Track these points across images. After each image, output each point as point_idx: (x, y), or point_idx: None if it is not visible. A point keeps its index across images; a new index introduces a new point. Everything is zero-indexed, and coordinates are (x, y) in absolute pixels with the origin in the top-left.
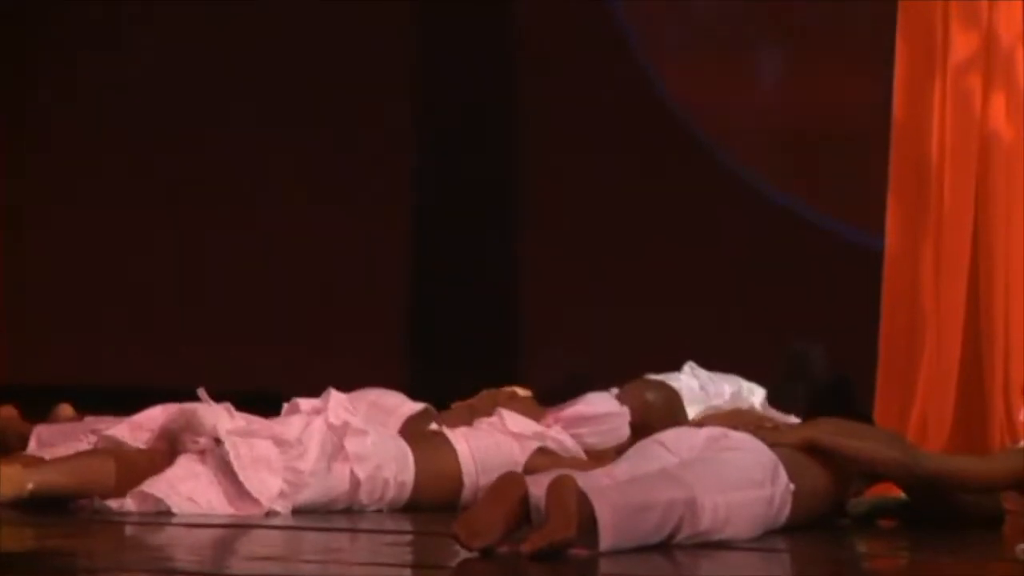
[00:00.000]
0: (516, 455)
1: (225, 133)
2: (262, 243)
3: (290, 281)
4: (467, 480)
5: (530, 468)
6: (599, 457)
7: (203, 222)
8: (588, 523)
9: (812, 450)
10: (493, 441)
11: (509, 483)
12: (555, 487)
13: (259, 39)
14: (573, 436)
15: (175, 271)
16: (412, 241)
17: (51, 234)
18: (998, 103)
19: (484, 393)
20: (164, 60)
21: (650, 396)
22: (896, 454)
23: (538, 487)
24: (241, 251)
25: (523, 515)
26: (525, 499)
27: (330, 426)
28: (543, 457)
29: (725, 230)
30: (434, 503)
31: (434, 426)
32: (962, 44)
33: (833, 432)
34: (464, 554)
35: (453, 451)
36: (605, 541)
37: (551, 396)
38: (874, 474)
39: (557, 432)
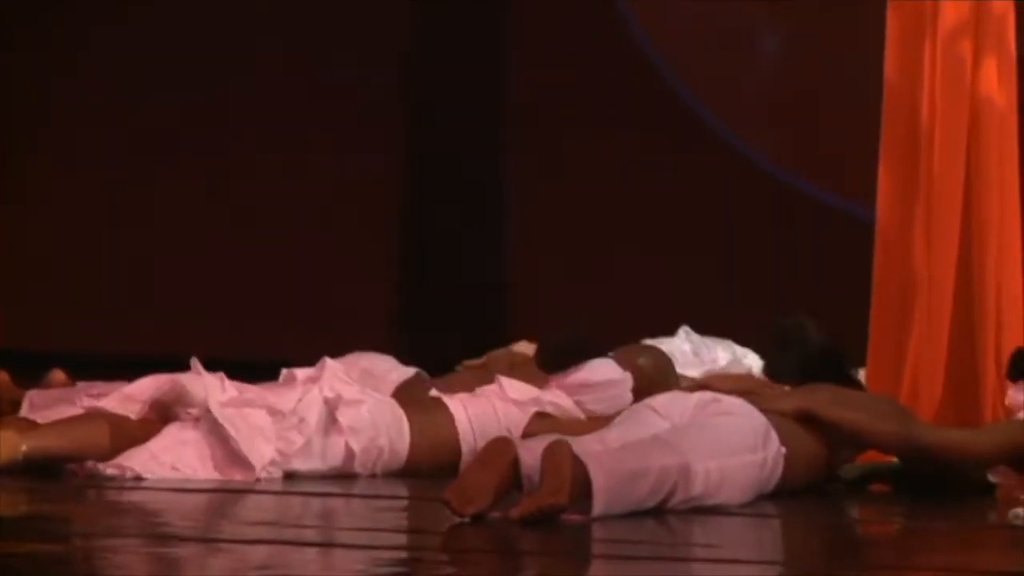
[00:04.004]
0: (515, 420)
1: (224, 106)
2: (253, 213)
3: (282, 250)
4: (465, 447)
5: (529, 432)
6: (599, 420)
7: (197, 193)
8: (582, 488)
9: (805, 419)
10: (491, 407)
11: (499, 448)
12: (550, 452)
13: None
14: (576, 403)
15: (169, 241)
16: (402, 214)
17: (47, 202)
18: (989, 69)
19: (493, 354)
20: (163, 33)
21: (642, 360)
22: (894, 427)
23: (528, 452)
24: (232, 220)
25: (513, 480)
26: (515, 464)
27: (325, 399)
28: (541, 421)
29: (718, 200)
30: (432, 469)
31: (434, 392)
32: (953, 10)
33: (830, 403)
34: (456, 519)
35: (451, 417)
36: (598, 507)
37: (552, 360)
38: (868, 444)
39: (554, 395)
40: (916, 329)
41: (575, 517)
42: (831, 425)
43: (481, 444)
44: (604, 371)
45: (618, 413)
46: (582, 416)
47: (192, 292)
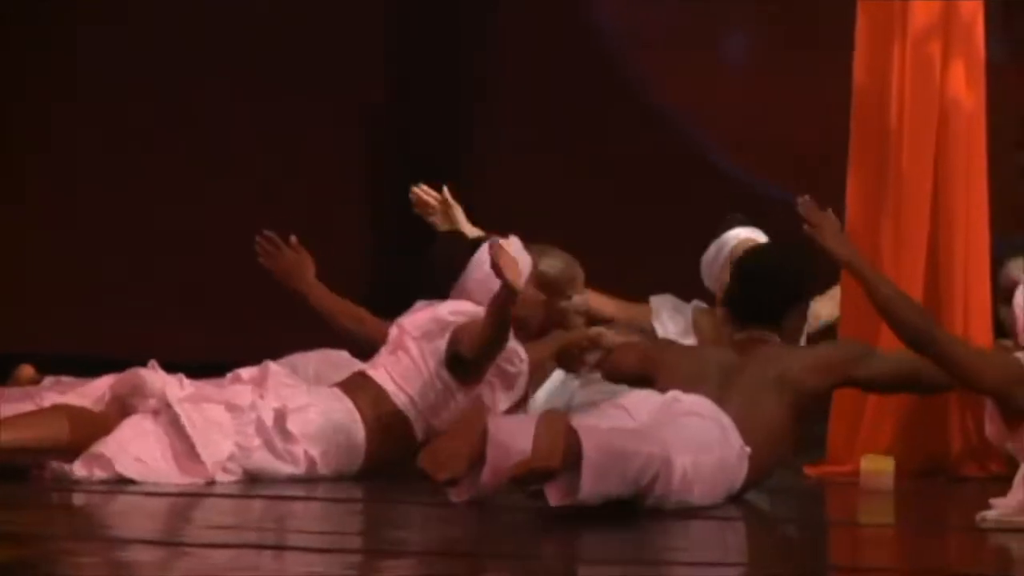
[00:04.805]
0: (432, 353)
1: (187, 106)
2: (213, 213)
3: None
4: (409, 413)
5: (448, 356)
6: None
7: (153, 193)
8: (575, 457)
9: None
10: (408, 359)
11: (473, 418)
12: (545, 418)
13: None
14: (485, 300)
15: (131, 242)
16: (368, 213)
17: (15, 203)
18: (958, 71)
19: None
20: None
21: (543, 265)
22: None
23: (495, 426)
24: (191, 221)
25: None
26: (485, 436)
27: (274, 411)
28: (457, 337)
29: (686, 201)
30: (390, 449)
31: (358, 367)
32: (922, 11)
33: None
34: (418, 521)
35: (385, 392)
36: (587, 480)
37: (439, 275)
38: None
39: (452, 306)
40: (885, 331)
41: (565, 501)
42: (866, 283)
43: (421, 402)
44: (487, 257)
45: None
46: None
47: (161, 293)
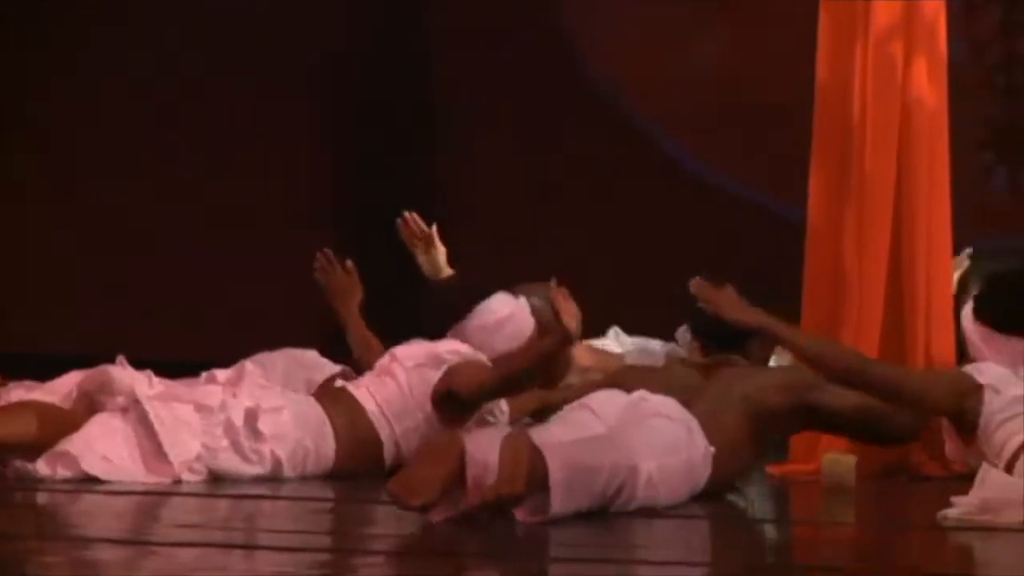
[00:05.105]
0: (419, 385)
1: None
2: (183, 212)
3: (212, 251)
4: (383, 434)
5: (436, 396)
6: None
7: (122, 192)
8: (541, 479)
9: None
10: (395, 385)
11: (447, 441)
12: (508, 442)
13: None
14: (484, 347)
15: (98, 241)
16: (332, 217)
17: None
18: (920, 69)
19: None
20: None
21: (534, 301)
22: (852, 357)
23: (476, 446)
24: (159, 220)
25: (461, 474)
26: (463, 457)
27: (245, 409)
28: (450, 376)
29: (648, 200)
30: (358, 464)
31: (340, 383)
32: (884, 10)
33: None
34: (388, 521)
35: (362, 409)
36: (556, 498)
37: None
38: (827, 377)
39: (450, 344)
40: (847, 329)
41: (532, 519)
42: (793, 348)
43: (398, 426)
44: (496, 307)
45: (526, 347)
46: (485, 359)
47: (127, 291)
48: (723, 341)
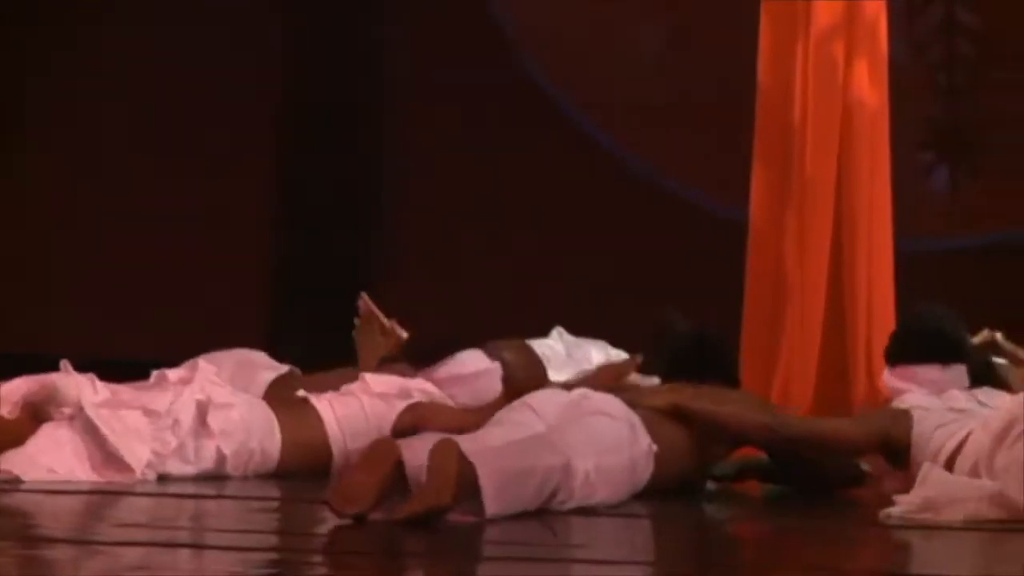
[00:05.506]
0: (383, 415)
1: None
2: (124, 212)
3: (154, 249)
4: (335, 447)
5: (399, 424)
6: (469, 411)
7: (67, 191)
8: (469, 488)
9: (676, 415)
10: (359, 405)
11: (382, 449)
12: (437, 451)
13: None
14: (447, 396)
15: (44, 240)
16: (275, 209)
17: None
18: (861, 70)
19: (365, 350)
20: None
21: (508, 355)
22: (762, 418)
23: (412, 452)
24: (100, 219)
25: (397, 481)
26: (399, 465)
27: (196, 402)
28: (410, 412)
29: (592, 202)
30: (303, 471)
31: (301, 393)
32: (825, 11)
33: (696, 396)
34: (333, 521)
35: (319, 419)
36: (489, 506)
37: (420, 358)
38: (739, 438)
39: (422, 384)
40: (788, 330)
41: (465, 519)
42: (701, 419)
43: (351, 444)
44: (472, 362)
45: (490, 405)
46: (453, 405)
47: (63, 290)
48: (678, 374)
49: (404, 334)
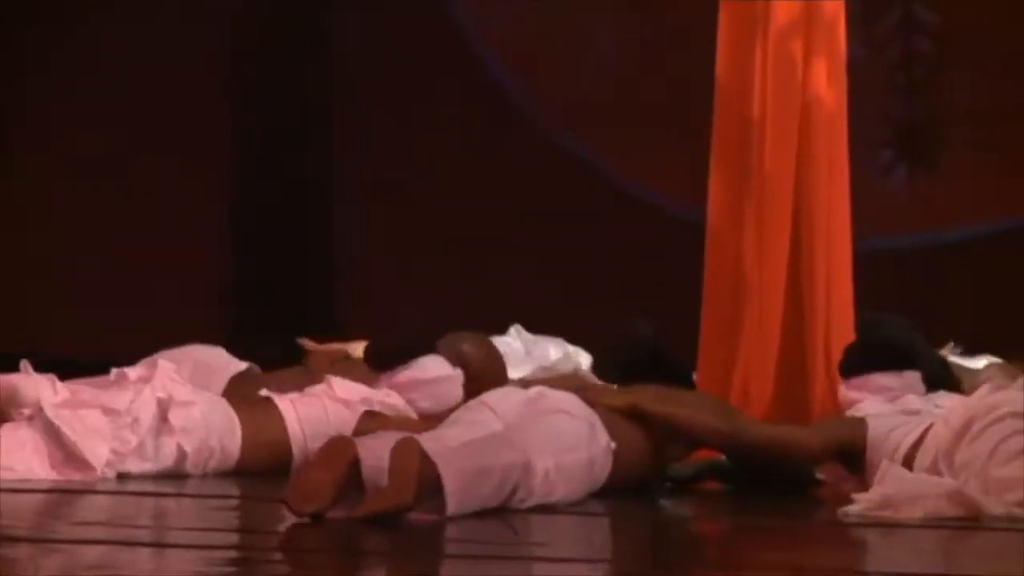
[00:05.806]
0: (345, 420)
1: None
2: (82, 208)
3: (111, 244)
4: (295, 447)
5: (359, 431)
6: (430, 419)
7: (24, 186)
8: (430, 487)
9: (634, 416)
10: (321, 407)
11: (339, 447)
12: (398, 450)
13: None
14: (408, 401)
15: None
16: (231, 205)
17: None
18: (819, 69)
19: (328, 347)
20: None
21: (466, 347)
22: (718, 423)
23: (368, 452)
24: (60, 216)
25: (353, 479)
26: (355, 463)
27: (157, 400)
28: (371, 420)
29: (551, 200)
30: (263, 469)
31: (264, 392)
32: (784, 10)
33: (655, 399)
34: (293, 519)
35: (281, 418)
36: (451, 505)
37: (382, 359)
38: (696, 440)
39: (385, 394)
40: (747, 330)
41: (426, 518)
42: (659, 420)
43: (312, 444)
44: (433, 368)
45: (451, 410)
46: (413, 414)
47: (19, 287)
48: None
49: (357, 353)
